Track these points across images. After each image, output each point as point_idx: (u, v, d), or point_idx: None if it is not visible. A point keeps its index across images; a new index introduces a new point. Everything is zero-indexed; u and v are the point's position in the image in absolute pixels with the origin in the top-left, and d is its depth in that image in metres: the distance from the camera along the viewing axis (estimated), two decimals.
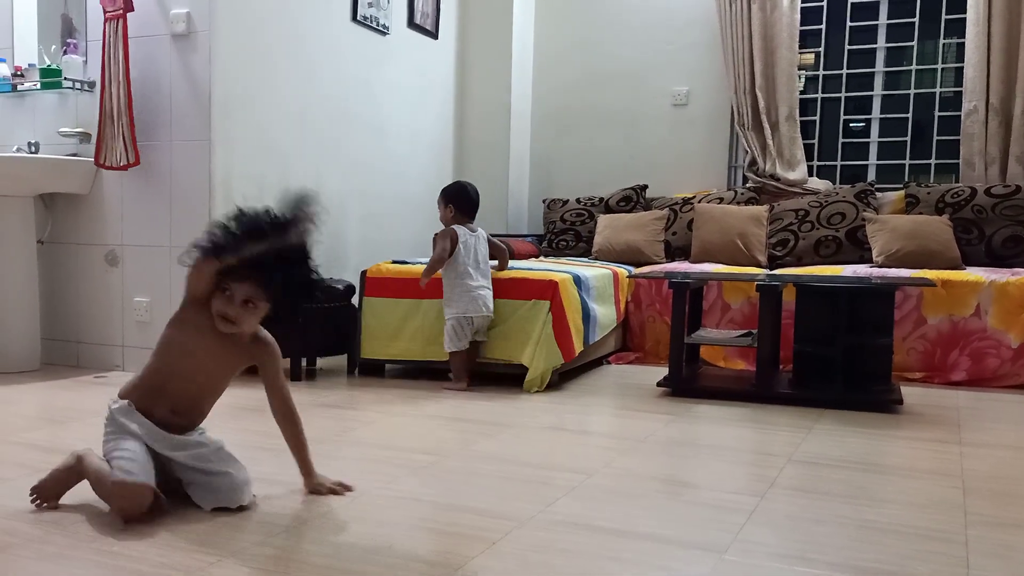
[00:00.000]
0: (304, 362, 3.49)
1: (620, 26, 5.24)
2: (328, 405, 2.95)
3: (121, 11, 3.28)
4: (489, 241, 3.45)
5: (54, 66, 3.56)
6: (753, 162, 4.85)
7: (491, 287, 3.35)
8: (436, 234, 3.37)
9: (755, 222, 4.46)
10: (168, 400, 1.81)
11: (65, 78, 3.51)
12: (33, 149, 3.57)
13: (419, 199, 4.79)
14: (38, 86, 3.59)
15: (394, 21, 4.43)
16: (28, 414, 2.82)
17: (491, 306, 3.31)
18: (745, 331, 3.46)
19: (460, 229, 3.36)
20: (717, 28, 4.91)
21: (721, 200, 4.74)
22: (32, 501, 1.76)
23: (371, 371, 3.60)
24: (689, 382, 3.27)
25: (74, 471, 1.77)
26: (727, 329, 3.84)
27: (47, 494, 1.77)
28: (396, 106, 4.53)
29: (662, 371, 3.63)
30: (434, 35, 4.83)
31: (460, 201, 3.45)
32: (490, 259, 3.44)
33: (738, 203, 4.70)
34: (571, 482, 2.03)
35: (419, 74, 4.74)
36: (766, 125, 4.80)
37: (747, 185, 4.90)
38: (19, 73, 3.69)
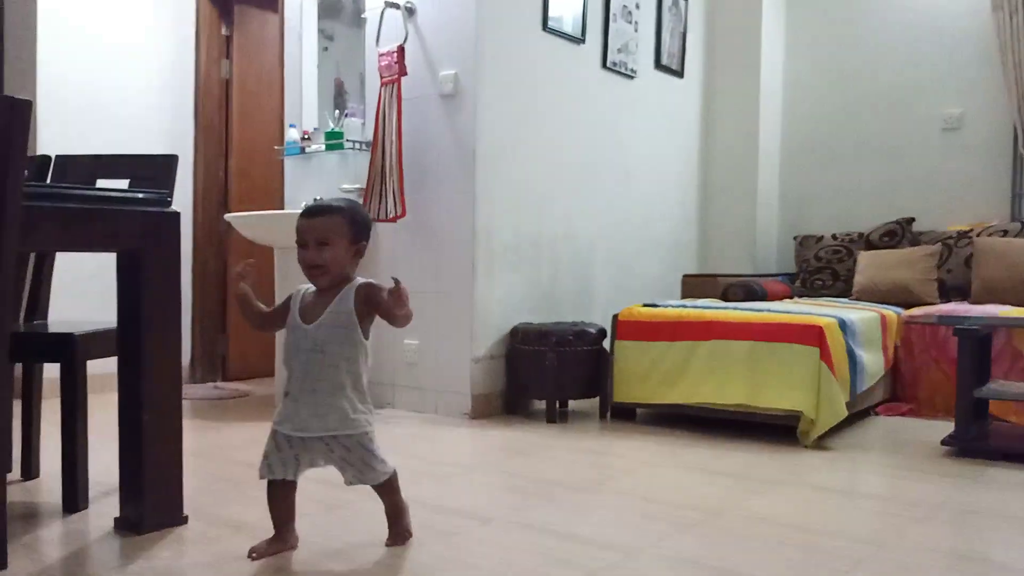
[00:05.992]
0: (558, 404, 3.55)
1: (879, 50, 4.92)
2: (584, 450, 2.97)
3: (396, 76, 3.57)
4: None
5: (337, 129, 3.93)
6: None
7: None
8: (375, 286, 1.81)
9: None
10: None
11: (346, 139, 3.88)
12: None
13: (665, 241, 4.75)
14: (323, 148, 3.99)
15: (641, 64, 4.45)
16: None
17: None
18: None
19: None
20: (994, 44, 4.47)
21: (1005, 233, 4.27)
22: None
23: (622, 415, 3.59)
24: (979, 441, 2.94)
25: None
26: (1019, 380, 3.42)
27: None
28: (642, 148, 4.54)
29: (940, 425, 3.32)
30: (680, 74, 4.80)
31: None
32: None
33: None
34: (859, 554, 1.88)
35: (664, 114, 4.72)
36: None
37: None
38: (306, 136, 4.12)
